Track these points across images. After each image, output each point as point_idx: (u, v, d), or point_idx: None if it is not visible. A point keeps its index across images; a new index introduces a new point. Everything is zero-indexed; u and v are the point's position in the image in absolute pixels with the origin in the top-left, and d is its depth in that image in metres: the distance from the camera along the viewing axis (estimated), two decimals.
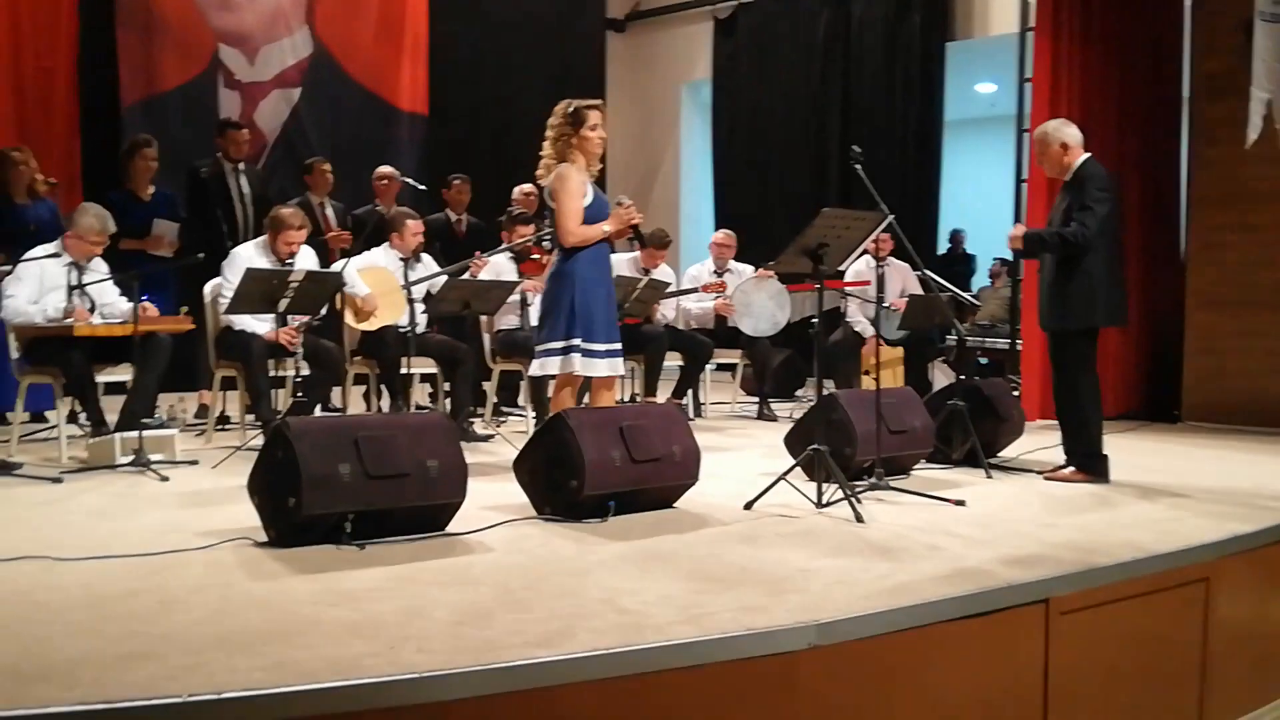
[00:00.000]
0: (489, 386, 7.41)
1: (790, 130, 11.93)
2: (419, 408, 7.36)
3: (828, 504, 4.68)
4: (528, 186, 8.05)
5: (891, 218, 5.08)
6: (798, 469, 4.96)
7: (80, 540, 3.98)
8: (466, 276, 6.96)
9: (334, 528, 3.89)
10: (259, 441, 4.92)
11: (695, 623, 3.04)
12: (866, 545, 4.06)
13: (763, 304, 8.19)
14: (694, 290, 8.36)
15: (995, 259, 12.81)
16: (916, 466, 5.69)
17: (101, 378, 6.04)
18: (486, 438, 6.88)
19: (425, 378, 7.30)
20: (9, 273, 5.88)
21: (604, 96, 5.53)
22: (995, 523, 4.50)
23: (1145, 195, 8.17)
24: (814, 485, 4.76)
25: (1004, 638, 3.44)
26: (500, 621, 3.05)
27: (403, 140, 10.65)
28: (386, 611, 3.14)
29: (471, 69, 11.37)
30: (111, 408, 6.05)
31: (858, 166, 5.14)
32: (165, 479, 5.26)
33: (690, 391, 8.18)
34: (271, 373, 6.28)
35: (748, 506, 4.70)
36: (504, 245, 7.41)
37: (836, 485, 4.68)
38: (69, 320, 5.80)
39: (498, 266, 7.30)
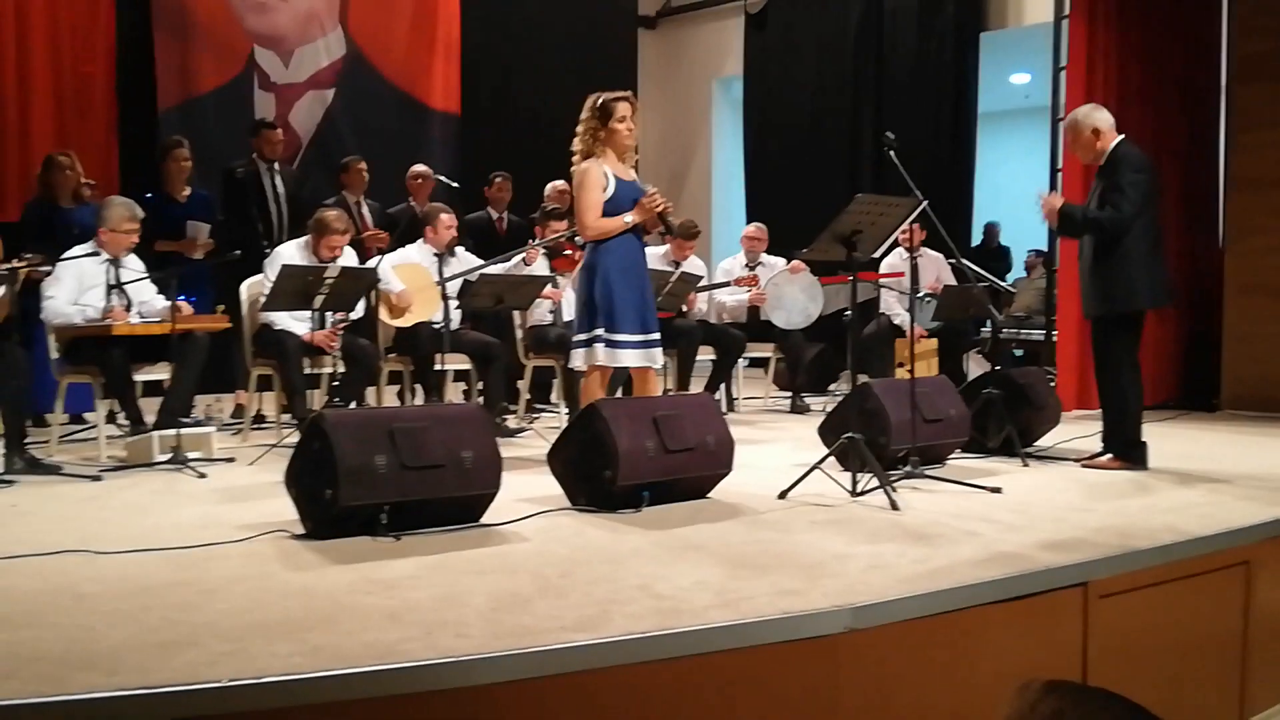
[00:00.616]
0: (522, 383, 7.43)
1: (822, 124, 11.88)
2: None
3: (863, 492, 4.66)
4: (561, 183, 8.10)
5: (925, 203, 5.06)
6: (832, 459, 4.94)
7: (120, 534, 4.03)
8: (518, 263, 7.00)
9: (370, 519, 3.92)
10: (295, 439, 4.97)
11: (731, 607, 3.05)
12: (902, 531, 4.04)
13: (795, 297, 8.17)
14: (726, 284, 8.35)
15: (1030, 251, 12.71)
16: (952, 455, 5.66)
17: (139, 377, 6.10)
18: (520, 432, 6.90)
19: (459, 375, 7.34)
20: (49, 274, 5.97)
21: (635, 93, 5.55)
22: (1032, 509, 4.47)
23: (1183, 180, 8.09)
24: (848, 475, 4.75)
25: (1042, 621, 3.42)
26: (537, 608, 3.06)
27: (435, 139, 10.68)
28: (423, 599, 3.16)
29: (503, 67, 11.40)
30: (150, 408, 6.12)
31: (891, 152, 5.11)
32: (203, 476, 5.32)
33: (723, 385, 8.16)
34: (307, 370, 6.34)
35: (782, 495, 4.70)
36: (537, 240, 7.44)
37: (871, 474, 4.66)
38: (107, 320, 5.88)
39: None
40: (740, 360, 8.34)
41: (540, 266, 7.35)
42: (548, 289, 7.04)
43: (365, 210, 8.01)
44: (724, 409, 7.98)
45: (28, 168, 8.19)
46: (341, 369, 6.17)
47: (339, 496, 3.84)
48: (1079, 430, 6.32)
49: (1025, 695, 1.35)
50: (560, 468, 4.63)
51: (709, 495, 4.75)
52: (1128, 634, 3.61)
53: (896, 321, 8.27)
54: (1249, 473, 5.35)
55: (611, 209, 5.14)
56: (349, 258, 6.61)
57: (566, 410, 6.94)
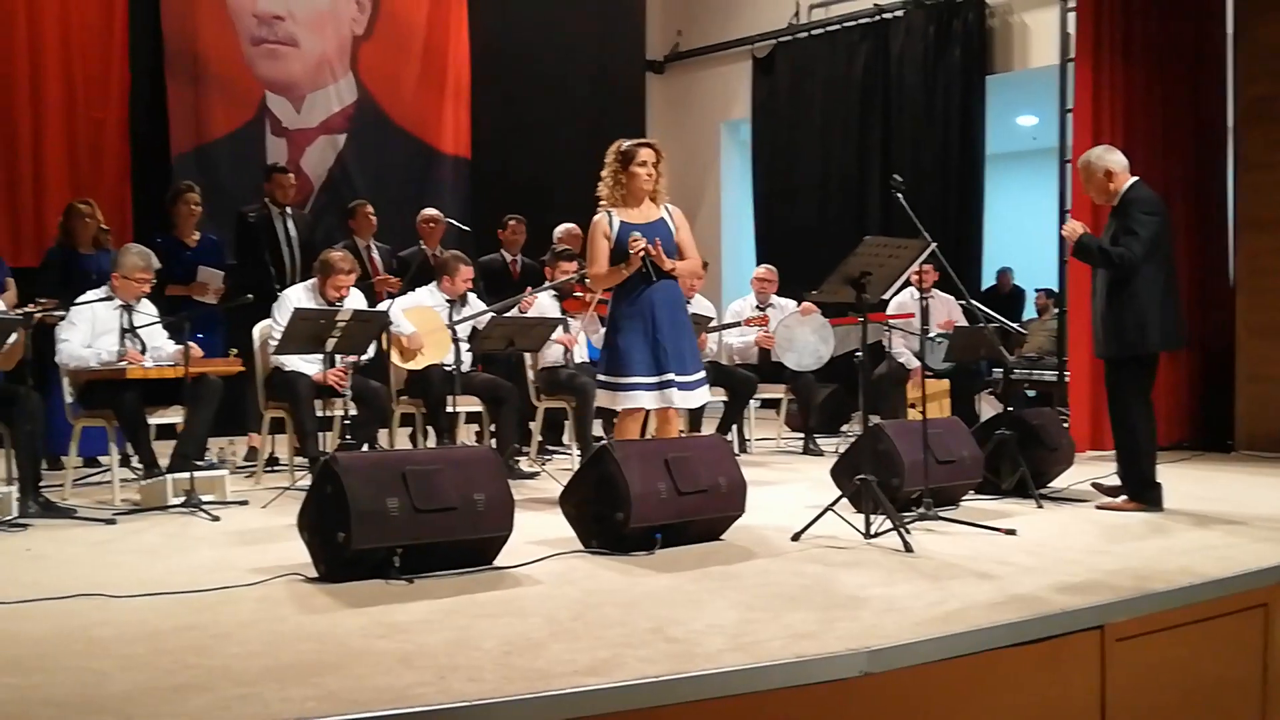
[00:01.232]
0: (534, 425, 7.43)
1: (830, 166, 11.93)
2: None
3: (876, 534, 4.64)
4: (571, 225, 8.13)
5: (934, 245, 5.06)
6: (845, 500, 4.92)
7: (133, 578, 4.03)
8: (515, 313, 7.01)
9: (383, 562, 3.91)
10: (308, 482, 4.97)
11: (745, 650, 3.03)
12: (917, 574, 4.02)
13: (805, 338, 8.17)
14: (736, 325, 8.36)
15: (1038, 290, 12.71)
16: (965, 497, 5.63)
17: (153, 420, 6.12)
18: (532, 475, 6.89)
19: (471, 417, 7.33)
20: (63, 318, 6.00)
21: (644, 136, 5.67)
22: (1047, 551, 4.44)
23: (1192, 221, 8.09)
24: (861, 517, 4.73)
25: (1059, 665, 3.40)
26: (549, 651, 3.05)
27: (446, 183, 10.76)
28: (436, 643, 3.15)
29: (513, 112, 11.49)
30: (163, 451, 6.13)
31: (899, 195, 5.14)
32: (216, 519, 5.32)
33: (735, 427, 8.15)
34: (319, 413, 6.34)
35: (795, 538, 4.68)
36: (547, 283, 7.45)
37: (885, 515, 4.64)
38: (121, 363, 5.90)
39: (541, 304, 7.34)
40: (752, 401, 8.32)
41: (551, 308, 7.36)
42: (560, 334, 7.04)
43: (375, 253, 8.04)
44: (737, 450, 7.97)
45: (42, 213, 8.29)
46: (353, 411, 6.18)
47: (351, 539, 3.84)
48: (1093, 471, 6.28)
49: None
50: (572, 510, 4.62)
51: (722, 537, 4.74)
52: (1145, 677, 3.57)
53: (900, 360, 8.26)
54: (1266, 514, 5.32)
55: (617, 254, 5.18)
56: (357, 299, 6.63)
57: (579, 451, 6.93)
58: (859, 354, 5.11)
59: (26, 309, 5.53)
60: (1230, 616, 3.88)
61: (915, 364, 8.07)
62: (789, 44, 12.23)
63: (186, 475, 5.60)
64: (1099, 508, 5.50)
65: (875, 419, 6.33)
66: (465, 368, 6.59)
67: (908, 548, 4.40)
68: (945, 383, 8.42)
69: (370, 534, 3.86)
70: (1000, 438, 5.81)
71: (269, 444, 6.99)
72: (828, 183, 11.92)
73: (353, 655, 3.04)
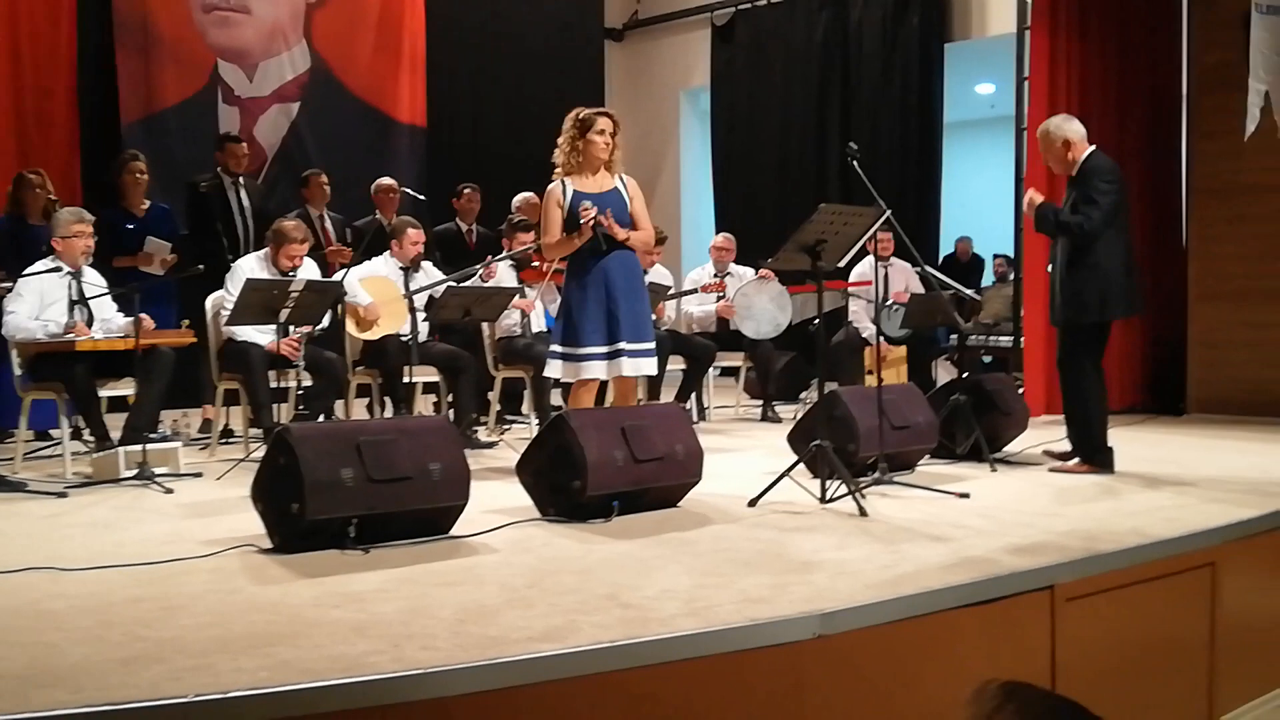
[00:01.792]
0: (492, 395, 7.41)
1: (789, 135, 11.94)
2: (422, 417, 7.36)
3: (831, 500, 4.67)
4: (529, 195, 8.09)
5: (889, 213, 5.08)
6: (802, 466, 4.95)
7: (84, 551, 3.99)
8: (475, 282, 6.98)
9: (338, 532, 3.89)
10: (262, 453, 4.93)
11: (699, 615, 3.04)
12: (870, 537, 4.05)
13: (764, 307, 8.19)
14: (693, 292, 8.37)
15: (996, 256, 12.79)
16: (921, 462, 5.68)
17: (104, 393, 6.05)
18: (490, 445, 6.88)
19: (428, 387, 7.31)
20: (10, 289, 5.91)
21: (603, 104, 5.63)
22: (1000, 514, 4.49)
23: (1146, 188, 8.16)
24: (817, 482, 4.76)
25: (1010, 625, 3.43)
26: (504, 619, 3.05)
27: (402, 152, 10.67)
28: (390, 612, 3.14)
29: (470, 81, 11.41)
30: (115, 424, 6.06)
31: (854, 162, 5.15)
32: (169, 491, 5.27)
33: (693, 395, 8.17)
34: (273, 384, 6.30)
35: (751, 504, 4.70)
36: (504, 253, 7.42)
37: (840, 481, 4.67)
38: (70, 336, 5.82)
39: (499, 275, 7.31)
40: (711, 369, 8.34)
41: (508, 277, 7.33)
42: (518, 299, 7.02)
43: (328, 223, 7.97)
44: (695, 418, 7.99)
45: None
46: (308, 381, 6.14)
47: (306, 510, 3.82)
48: (1046, 435, 6.35)
49: (981, 700, 1.33)
50: (529, 478, 4.62)
51: (679, 504, 4.75)
52: (1095, 636, 3.62)
53: (857, 328, 8.29)
54: (1215, 476, 5.40)
55: (570, 222, 5.18)
56: (310, 269, 6.58)
57: (537, 421, 6.93)
58: (816, 322, 5.12)
59: None
60: (1178, 576, 3.94)
61: (873, 331, 8.11)
62: (748, 12, 12.20)
63: (139, 448, 5.54)
64: (1051, 470, 5.56)
65: (833, 386, 6.36)
66: (422, 338, 6.56)
67: (862, 512, 4.44)
68: (902, 350, 8.47)
69: (324, 504, 3.84)
70: (955, 403, 5.85)
71: (224, 416, 6.93)
72: (787, 151, 11.92)
73: (306, 625, 3.02)
